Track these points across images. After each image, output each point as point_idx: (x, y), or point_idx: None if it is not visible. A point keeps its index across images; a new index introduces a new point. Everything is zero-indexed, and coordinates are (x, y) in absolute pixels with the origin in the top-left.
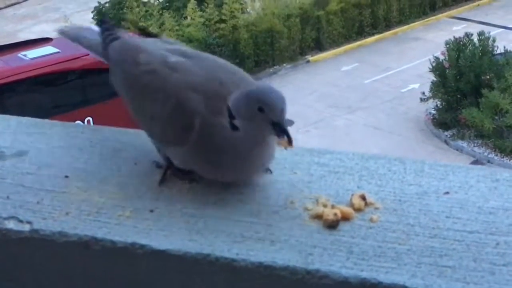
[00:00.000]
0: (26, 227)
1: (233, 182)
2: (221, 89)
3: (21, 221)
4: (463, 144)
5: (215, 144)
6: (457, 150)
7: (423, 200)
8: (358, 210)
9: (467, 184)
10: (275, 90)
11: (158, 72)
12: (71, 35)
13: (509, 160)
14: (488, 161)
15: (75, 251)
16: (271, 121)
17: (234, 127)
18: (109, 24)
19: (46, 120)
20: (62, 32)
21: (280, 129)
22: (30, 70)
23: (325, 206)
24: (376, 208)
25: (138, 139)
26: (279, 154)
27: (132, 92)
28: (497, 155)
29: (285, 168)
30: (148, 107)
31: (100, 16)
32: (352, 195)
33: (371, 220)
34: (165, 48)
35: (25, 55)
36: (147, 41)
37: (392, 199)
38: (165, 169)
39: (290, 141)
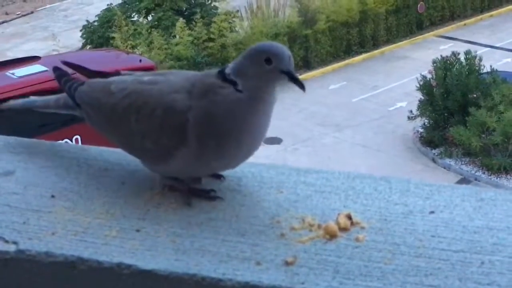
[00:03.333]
0: (12, 248)
1: (236, 163)
2: (195, 87)
3: (6, 241)
4: (450, 162)
5: (217, 119)
6: (444, 168)
7: (408, 220)
8: (344, 229)
9: (452, 203)
10: (280, 44)
11: (138, 90)
12: (18, 105)
13: (497, 178)
14: (476, 179)
15: (61, 271)
16: (281, 70)
17: (239, 91)
18: (63, 71)
19: (33, 140)
20: (7, 108)
21: (291, 77)
22: (18, 89)
23: (311, 225)
24: (362, 228)
25: (126, 159)
26: (266, 173)
27: (115, 121)
28: (484, 173)
29: (271, 187)
30: (136, 127)
31: (89, 34)
32: (338, 214)
33: (357, 239)
34: (132, 76)
35: (13, 73)
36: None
37: (378, 219)
38: (185, 190)
39: (302, 87)
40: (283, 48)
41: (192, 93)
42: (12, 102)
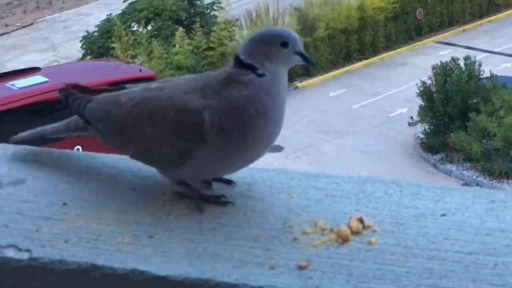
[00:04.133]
0: (25, 256)
1: (257, 156)
2: (208, 84)
3: (20, 250)
4: (452, 167)
5: (242, 107)
6: (446, 173)
7: (420, 222)
8: (356, 233)
9: (463, 206)
10: (284, 28)
11: (147, 97)
12: (29, 136)
13: (498, 183)
14: (477, 184)
15: (75, 279)
16: (295, 52)
17: (261, 75)
18: (69, 91)
19: (43, 149)
20: (17, 141)
21: (305, 58)
22: (19, 100)
23: (323, 229)
24: (374, 231)
25: (136, 166)
26: (276, 178)
27: (128, 132)
28: (486, 178)
29: (282, 192)
30: (151, 133)
31: (89, 45)
32: (350, 218)
33: (369, 243)
34: (138, 86)
35: (13, 85)
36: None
37: (390, 222)
38: (197, 196)
39: (314, 65)
40: (294, 32)
41: (205, 91)
42: (22, 134)
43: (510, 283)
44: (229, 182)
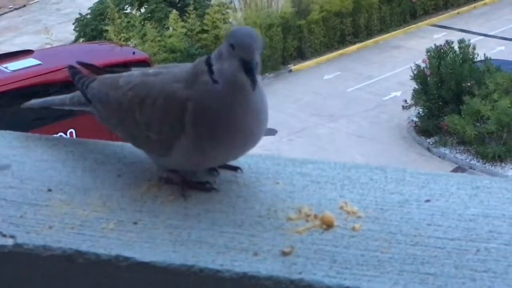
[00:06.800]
0: (10, 241)
1: (237, 154)
2: (191, 70)
3: (4, 235)
4: (445, 151)
5: (210, 113)
6: (439, 157)
7: (404, 208)
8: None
9: (448, 192)
10: (251, 30)
11: (142, 82)
12: (38, 104)
13: (491, 166)
14: (471, 168)
15: (59, 264)
16: (241, 59)
17: (215, 81)
18: (76, 69)
19: (29, 134)
20: (27, 106)
21: (247, 68)
22: (11, 83)
23: (307, 215)
24: (358, 217)
25: (121, 152)
26: (262, 164)
27: (121, 114)
28: (479, 161)
29: (267, 178)
30: (141, 116)
31: (82, 27)
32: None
33: (353, 229)
34: (139, 70)
35: (6, 68)
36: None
37: (374, 208)
38: (180, 182)
39: (253, 83)
40: (246, 35)
41: (188, 82)
42: (32, 101)
43: (492, 268)
44: (235, 169)
